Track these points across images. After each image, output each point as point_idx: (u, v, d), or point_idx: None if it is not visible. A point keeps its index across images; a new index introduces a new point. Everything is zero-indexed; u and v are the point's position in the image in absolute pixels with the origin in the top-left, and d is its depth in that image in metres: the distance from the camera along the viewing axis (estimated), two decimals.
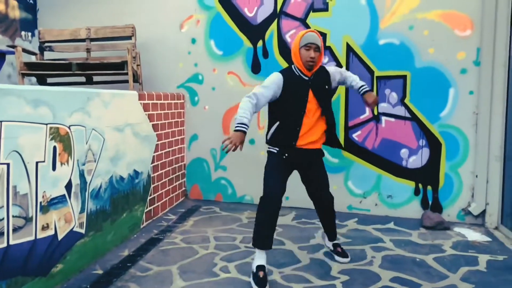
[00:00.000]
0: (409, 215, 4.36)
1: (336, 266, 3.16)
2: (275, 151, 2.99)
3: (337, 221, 4.20)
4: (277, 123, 2.96)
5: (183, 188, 5.14)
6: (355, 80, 3.25)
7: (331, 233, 3.36)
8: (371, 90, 3.03)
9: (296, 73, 2.96)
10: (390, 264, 3.20)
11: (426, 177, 4.31)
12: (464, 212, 4.22)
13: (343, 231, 3.96)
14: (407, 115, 4.30)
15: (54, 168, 2.74)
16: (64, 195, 2.84)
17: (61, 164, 2.81)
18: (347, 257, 3.27)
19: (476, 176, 4.10)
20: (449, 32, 4.12)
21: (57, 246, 2.77)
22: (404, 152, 4.35)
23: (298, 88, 2.92)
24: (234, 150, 2.69)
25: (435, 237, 3.81)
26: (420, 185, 4.34)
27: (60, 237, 2.80)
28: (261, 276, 2.82)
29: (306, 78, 2.95)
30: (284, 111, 2.93)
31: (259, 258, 2.92)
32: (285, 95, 2.90)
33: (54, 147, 2.74)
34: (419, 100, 4.25)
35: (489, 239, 3.75)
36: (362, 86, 3.21)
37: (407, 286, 2.84)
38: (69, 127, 2.89)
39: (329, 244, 3.40)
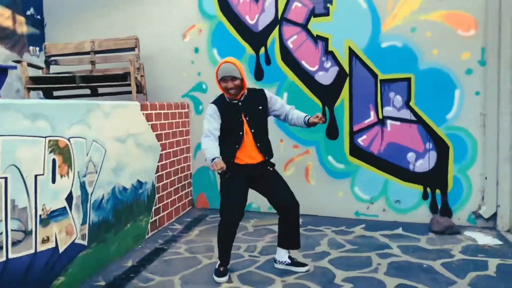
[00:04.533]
0: (418, 220, 4.26)
1: (340, 274, 3.10)
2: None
3: (343, 228, 4.19)
4: (222, 143, 3.08)
5: (190, 197, 5.13)
6: (296, 113, 3.20)
7: (294, 241, 3.26)
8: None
9: (227, 99, 3.13)
10: (396, 271, 3.13)
11: (434, 181, 4.22)
12: (474, 216, 4.11)
13: (349, 238, 3.89)
14: (413, 118, 4.22)
15: (54, 181, 2.76)
16: (64, 207, 2.86)
17: (61, 176, 2.83)
18: (306, 265, 3.24)
19: (486, 178, 3.99)
20: (452, 33, 4.04)
21: (58, 258, 2.78)
22: (411, 155, 4.27)
23: (231, 112, 3.09)
24: (224, 173, 2.95)
25: (444, 242, 3.72)
26: (428, 189, 4.25)
27: (61, 249, 2.82)
28: (221, 270, 3.09)
29: (236, 102, 3.10)
30: (225, 134, 3.09)
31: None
32: (224, 120, 3.09)
33: (54, 160, 2.76)
34: (425, 102, 4.17)
35: (500, 242, 3.64)
36: (306, 115, 3.16)
37: None
38: (68, 139, 2.91)
39: (285, 257, 3.26)
